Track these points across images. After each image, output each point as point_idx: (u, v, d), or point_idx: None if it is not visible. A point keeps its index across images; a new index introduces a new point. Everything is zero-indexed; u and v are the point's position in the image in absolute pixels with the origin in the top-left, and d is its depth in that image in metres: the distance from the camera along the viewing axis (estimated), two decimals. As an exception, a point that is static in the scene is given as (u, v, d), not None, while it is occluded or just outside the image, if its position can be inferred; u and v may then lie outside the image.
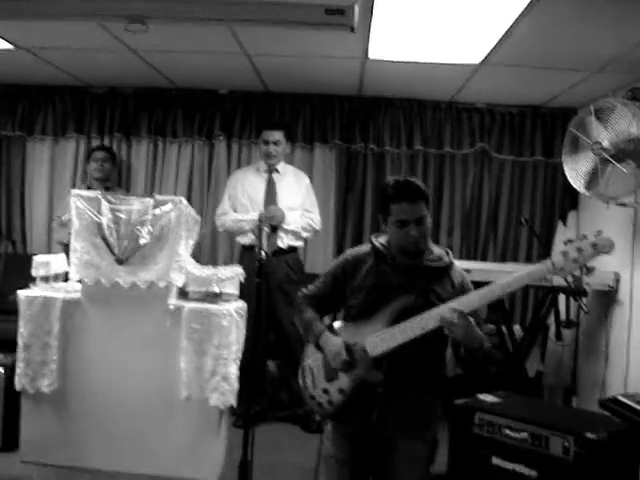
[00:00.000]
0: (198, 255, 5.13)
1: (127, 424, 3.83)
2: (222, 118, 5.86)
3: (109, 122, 5.91)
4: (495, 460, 3.23)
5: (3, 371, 4.02)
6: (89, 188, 5.27)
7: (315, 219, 5.12)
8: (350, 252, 2.80)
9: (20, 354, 3.85)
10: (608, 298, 4.81)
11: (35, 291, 3.94)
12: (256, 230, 3.65)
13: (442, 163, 5.83)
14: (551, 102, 5.48)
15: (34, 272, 4.04)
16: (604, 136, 3.90)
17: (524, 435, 3.14)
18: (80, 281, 3.87)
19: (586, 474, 2.93)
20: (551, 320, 5.10)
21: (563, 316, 4.98)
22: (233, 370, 3.79)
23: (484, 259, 5.77)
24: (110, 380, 3.83)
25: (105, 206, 3.77)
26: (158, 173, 5.95)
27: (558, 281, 4.41)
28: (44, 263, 4.08)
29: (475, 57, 4.27)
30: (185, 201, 3.85)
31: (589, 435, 2.94)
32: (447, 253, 2.68)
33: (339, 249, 5.69)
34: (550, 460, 3.03)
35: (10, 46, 4.51)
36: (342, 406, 2.63)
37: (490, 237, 5.83)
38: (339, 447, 2.70)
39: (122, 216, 3.76)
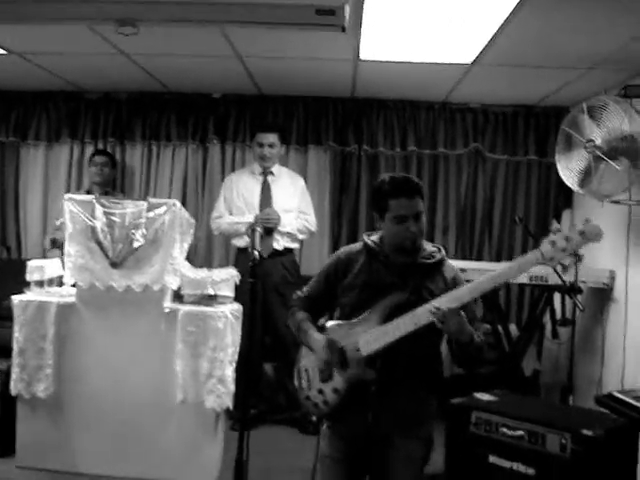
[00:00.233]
0: (193, 258, 5.13)
1: (123, 428, 3.82)
2: (216, 122, 5.86)
3: (103, 127, 5.91)
4: (492, 459, 3.21)
5: (-1, 376, 4.02)
6: (89, 192, 5.26)
7: (311, 221, 5.13)
8: (342, 250, 2.80)
9: (15, 359, 3.84)
10: (603, 295, 4.81)
11: (30, 296, 3.94)
12: (249, 231, 3.65)
13: (436, 164, 5.84)
14: (544, 101, 5.50)
15: (28, 277, 4.03)
16: (597, 134, 3.90)
17: (521, 433, 3.13)
18: (74, 285, 3.87)
19: (583, 471, 2.92)
20: (547, 318, 5.10)
21: (559, 314, 4.97)
22: (229, 372, 3.79)
23: (479, 258, 5.78)
24: (106, 384, 3.82)
25: (99, 210, 3.77)
26: (152, 177, 5.95)
27: (553, 279, 4.41)
28: (38, 268, 4.08)
29: (467, 57, 4.27)
30: (179, 204, 3.85)
31: (586, 432, 2.93)
32: (439, 250, 2.69)
33: (334, 251, 5.65)
34: (547, 458, 3.02)
35: (3, 51, 4.51)
36: (337, 406, 2.62)
37: (485, 236, 5.84)
38: (335, 447, 2.70)
39: (116, 219, 3.76)
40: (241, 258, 4.95)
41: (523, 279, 4.59)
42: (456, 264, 2.83)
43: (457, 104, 5.73)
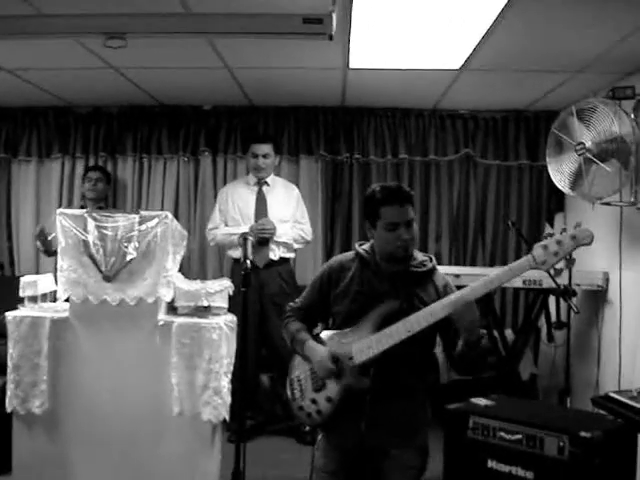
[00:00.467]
0: (186, 269, 5.12)
1: (120, 442, 3.79)
2: (207, 133, 5.87)
3: (94, 141, 5.90)
4: (490, 463, 3.21)
5: (-7, 393, 3.99)
6: (83, 208, 5.25)
7: (306, 230, 5.15)
8: (334, 259, 2.82)
9: (10, 375, 3.80)
10: (598, 297, 4.82)
11: (23, 311, 3.91)
12: (240, 240, 3.64)
13: (428, 170, 5.85)
14: (534, 105, 5.52)
15: (21, 292, 4.01)
16: (587, 136, 3.92)
17: (519, 437, 3.13)
18: (68, 299, 3.85)
19: (582, 473, 2.91)
20: (542, 322, 5.11)
21: (554, 317, 4.98)
22: (225, 384, 3.76)
23: (473, 264, 5.78)
24: (101, 398, 3.79)
25: (91, 224, 3.75)
26: (144, 190, 5.95)
27: (548, 283, 4.42)
28: (31, 283, 4.05)
29: (454, 63, 4.29)
30: (171, 216, 3.84)
31: (583, 434, 2.93)
32: (430, 259, 2.70)
33: (328, 260, 5.67)
34: (546, 461, 3.01)
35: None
36: (331, 415, 2.62)
37: (478, 242, 5.85)
38: (330, 459, 2.70)
39: (108, 233, 3.74)
40: (237, 269, 4.94)
41: (517, 283, 4.59)
42: (450, 270, 2.86)
43: (447, 110, 5.74)
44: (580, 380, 5.03)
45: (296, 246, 5.11)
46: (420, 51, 4.09)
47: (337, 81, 4.90)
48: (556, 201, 5.72)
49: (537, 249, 2.38)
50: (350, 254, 2.78)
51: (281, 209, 5.06)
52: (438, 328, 2.58)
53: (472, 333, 2.43)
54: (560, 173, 4.15)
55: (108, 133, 5.90)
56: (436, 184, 5.85)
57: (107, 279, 3.74)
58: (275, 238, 4.91)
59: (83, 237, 3.74)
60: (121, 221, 3.76)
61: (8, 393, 3.80)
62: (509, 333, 5.33)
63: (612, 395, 3.41)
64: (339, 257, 2.82)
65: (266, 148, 5.05)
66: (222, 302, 3.92)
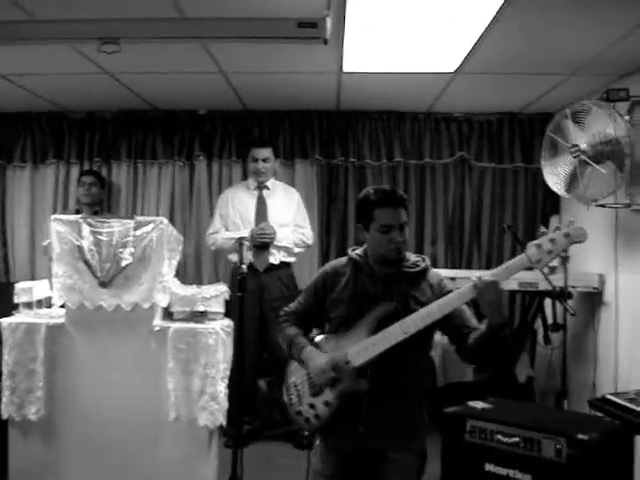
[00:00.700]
0: (182, 274, 5.11)
1: (116, 448, 3.78)
2: (202, 138, 5.86)
3: (88, 147, 5.88)
4: (488, 466, 3.20)
5: (-11, 400, 3.97)
6: (78, 213, 5.24)
7: (307, 234, 5.15)
8: (328, 265, 2.83)
9: (5, 382, 3.80)
10: (594, 300, 4.82)
11: (18, 318, 3.90)
12: (237, 244, 3.64)
13: (423, 174, 5.85)
14: (528, 108, 5.52)
15: (16, 299, 4.00)
16: (582, 138, 3.92)
17: (516, 440, 3.12)
18: (63, 305, 3.84)
19: (579, 475, 2.91)
20: (538, 324, 5.10)
21: (550, 320, 4.98)
22: (221, 389, 3.75)
23: (469, 267, 5.77)
24: (98, 404, 3.78)
25: (86, 229, 3.75)
26: (139, 195, 5.93)
27: (544, 285, 4.42)
28: (26, 289, 4.04)
29: (449, 66, 4.29)
30: (166, 221, 3.83)
31: (581, 436, 2.93)
32: (423, 259, 2.70)
33: (324, 263, 5.67)
34: (543, 463, 3.01)
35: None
36: (329, 419, 2.61)
37: (474, 245, 5.84)
38: (328, 463, 2.69)
39: (103, 238, 3.73)
40: (237, 273, 4.93)
41: (513, 285, 4.59)
42: (446, 273, 2.86)
43: (442, 113, 5.74)
44: (577, 382, 5.03)
45: (297, 250, 5.11)
46: (415, 54, 4.09)
47: (332, 85, 4.91)
48: (551, 204, 5.72)
49: (531, 248, 2.38)
50: (343, 259, 2.79)
51: (281, 213, 5.07)
52: (438, 328, 2.59)
53: (498, 311, 2.43)
54: (555, 175, 4.15)
55: (103, 138, 5.88)
56: (431, 187, 5.84)
57: (103, 285, 3.74)
58: (276, 242, 4.91)
59: (78, 243, 3.74)
60: (116, 226, 3.75)
61: (4, 400, 3.79)
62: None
63: (609, 397, 3.41)
64: (333, 263, 2.83)
65: (266, 152, 5.08)
66: (218, 307, 3.92)
